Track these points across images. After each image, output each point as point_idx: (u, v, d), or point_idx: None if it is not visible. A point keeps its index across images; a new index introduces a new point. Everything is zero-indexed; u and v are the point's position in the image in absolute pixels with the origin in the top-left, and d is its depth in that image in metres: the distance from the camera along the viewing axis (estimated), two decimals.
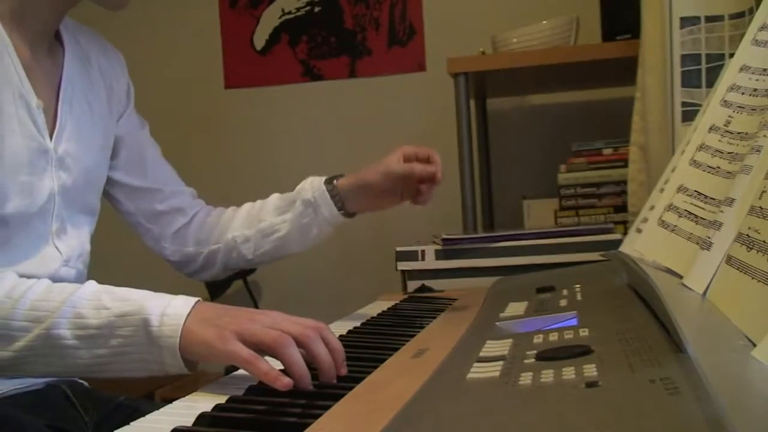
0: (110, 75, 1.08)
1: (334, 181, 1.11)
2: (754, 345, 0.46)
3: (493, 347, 0.63)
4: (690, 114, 1.29)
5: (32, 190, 0.88)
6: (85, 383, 1.00)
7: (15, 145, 0.86)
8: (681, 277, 0.67)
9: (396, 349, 0.75)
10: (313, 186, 1.11)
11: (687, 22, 1.32)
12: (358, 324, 0.99)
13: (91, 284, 0.78)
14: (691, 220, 0.74)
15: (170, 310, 0.72)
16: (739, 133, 0.73)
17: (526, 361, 0.55)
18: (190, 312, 0.72)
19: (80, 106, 0.99)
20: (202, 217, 1.19)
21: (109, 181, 1.10)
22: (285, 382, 0.64)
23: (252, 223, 1.16)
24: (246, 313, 0.73)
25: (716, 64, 1.29)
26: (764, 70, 0.74)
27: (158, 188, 1.14)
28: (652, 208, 0.86)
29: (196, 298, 0.74)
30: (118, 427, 0.58)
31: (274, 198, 1.16)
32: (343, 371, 0.70)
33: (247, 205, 1.18)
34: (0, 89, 0.84)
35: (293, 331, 0.69)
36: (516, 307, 0.84)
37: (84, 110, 1.00)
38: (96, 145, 1.02)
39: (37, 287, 0.76)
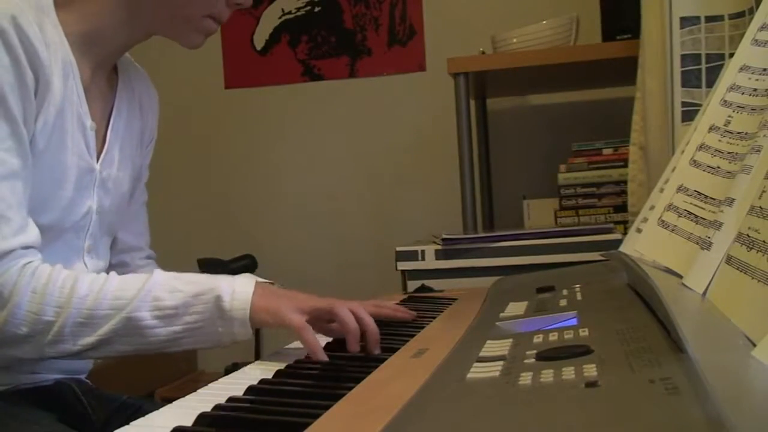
0: (148, 113, 1.11)
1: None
2: (754, 345, 0.46)
3: (493, 347, 0.63)
4: (690, 114, 1.29)
5: (72, 206, 0.92)
6: (90, 382, 1.01)
7: (66, 161, 0.90)
8: (681, 277, 0.67)
9: (396, 349, 0.75)
10: None
11: (687, 22, 1.32)
12: None
13: (160, 272, 0.85)
14: (691, 220, 0.74)
15: (238, 288, 0.82)
16: (739, 132, 0.73)
17: (526, 361, 0.55)
18: (255, 288, 0.82)
19: (124, 135, 1.03)
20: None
21: None
22: (320, 357, 0.77)
23: None
24: (299, 292, 0.87)
25: (716, 64, 1.29)
26: (764, 70, 0.74)
27: (120, 238, 1.11)
28: (652, 207, 0.86)
29: (255, 278, 0.85)
30: (123, 425, 0.58)
31: None
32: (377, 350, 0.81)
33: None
34: (63, 108, 0.89)
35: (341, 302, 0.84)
36: (516, 307, 0.84)
37: (126, 140, 1.04)
38: (130, 175, 1.05)
39: (113, 279, 0.84)
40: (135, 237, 1.14)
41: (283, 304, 0.82)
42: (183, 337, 0.82)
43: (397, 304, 1.15)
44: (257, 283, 0.84)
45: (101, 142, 0.98)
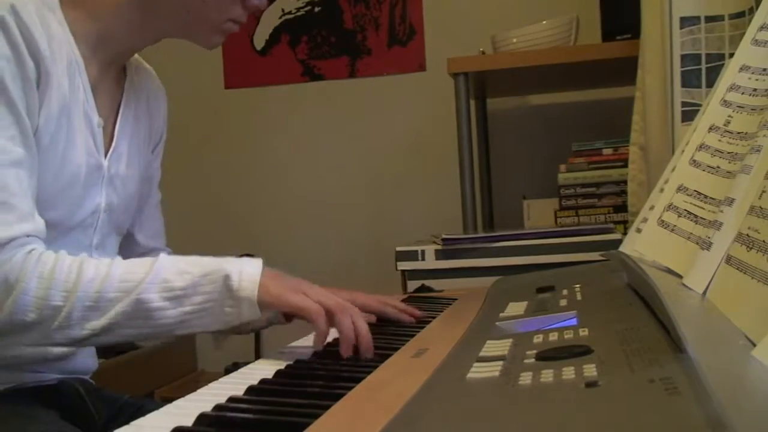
0: (155, 111, 1.12)
1: None
2: (754, 345, 0.46)
3: (493, 347, 0.63)
4: (690, 114, 1.29)
5: (81, 202, 0.92)
6: (93, 382, 1.02)
7: (75, 159, 0.90)
8: (681, 277, 0.67)
9: (396, 349, 0.75)
10: None
11: (687, 22, 1.32)
12: None
13: (164, 255, 0.84)
14: (691, 220, 0.74)
15: (246, 268, 0.81)
16: (738, 132, 0.73)
17: (526, 361, 0.55)
18: (262, 270, 0.81)
19: (132, 133, 1.03)
20: None
21: None
22: (320, 345, 0.79)
23: None
24: (303, 281, 0.86)
25: (716, 64, 1.29)
26: (764, 69, 0.74)
27: (138, 241, 1.13)
28: (652, 207, 0.86)
29: (260, 261, 0.83)
30: (125, 425, 0.58)
31: None
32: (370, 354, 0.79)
33: None
34: (70, 106, 0.88)
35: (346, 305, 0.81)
36: (516, 307, 0.84)
37: (134, 139, 1.04)
38: (138, 174, 1.05)
39: (120, 262, 0.82)
40: (152, 239, 1.16)
41: (292, 288, 0.82)
42: (192, 318, 0.80)
43: None
44: (265, 266, 0.83)
45: (109, 138, 0.98)
